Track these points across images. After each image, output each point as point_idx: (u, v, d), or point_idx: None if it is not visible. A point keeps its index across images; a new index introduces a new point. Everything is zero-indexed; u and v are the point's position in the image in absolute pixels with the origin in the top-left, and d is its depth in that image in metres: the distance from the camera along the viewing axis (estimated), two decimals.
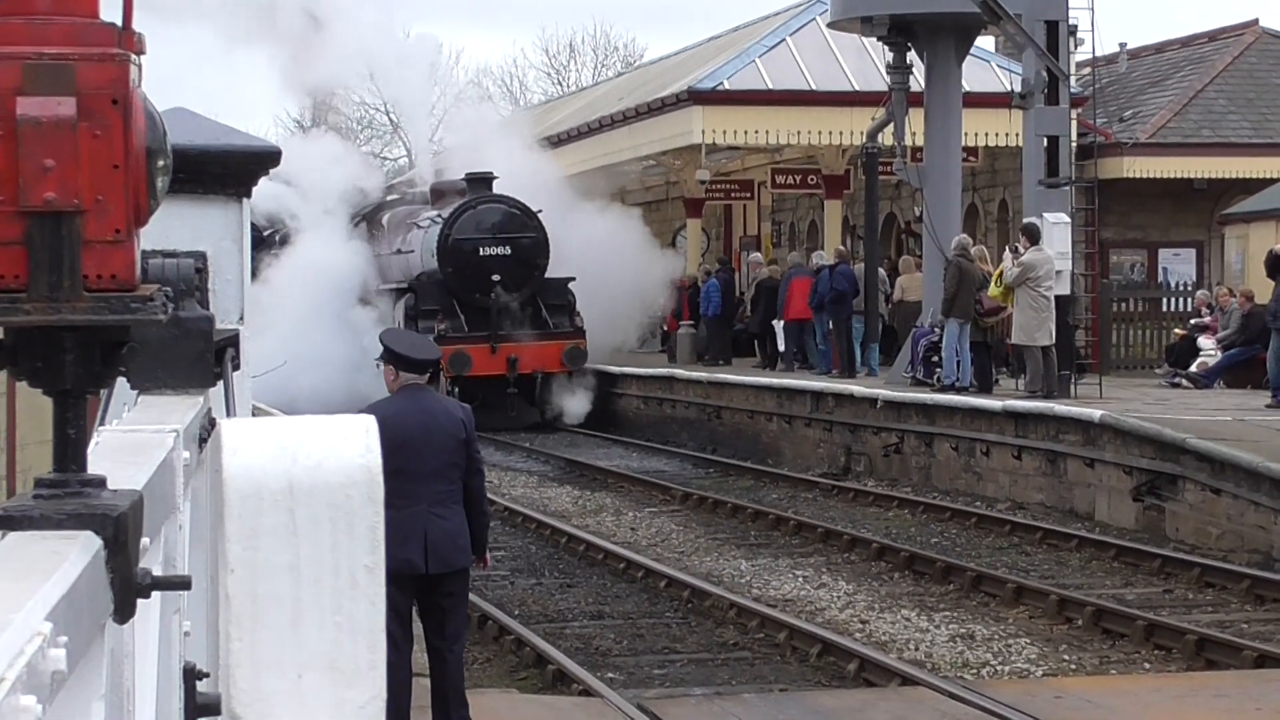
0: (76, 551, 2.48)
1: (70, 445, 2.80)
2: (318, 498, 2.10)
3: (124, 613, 2.75)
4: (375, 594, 2.17)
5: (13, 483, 9.51)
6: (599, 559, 20.71)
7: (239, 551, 2.07)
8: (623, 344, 42.06)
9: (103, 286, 2.73)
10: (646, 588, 18.87)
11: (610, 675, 14.72)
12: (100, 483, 2.81)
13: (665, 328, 43.06)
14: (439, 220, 39.64)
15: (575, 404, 38.17)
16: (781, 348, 36.58)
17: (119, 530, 2.69)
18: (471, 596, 17.13)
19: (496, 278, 38.41)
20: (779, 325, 36.30)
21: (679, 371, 37.28)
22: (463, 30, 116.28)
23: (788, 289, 35.80)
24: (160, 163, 2.81)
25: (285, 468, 2.09)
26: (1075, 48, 32.06)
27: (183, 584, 3.16)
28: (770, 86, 38.92)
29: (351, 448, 2.14)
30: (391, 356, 10.85)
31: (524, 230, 38.83)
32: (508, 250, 38.72)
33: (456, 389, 37.85)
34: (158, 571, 4.02)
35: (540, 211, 38.97)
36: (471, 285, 38.45)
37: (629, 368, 39.25)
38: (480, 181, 39.73)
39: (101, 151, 2.70)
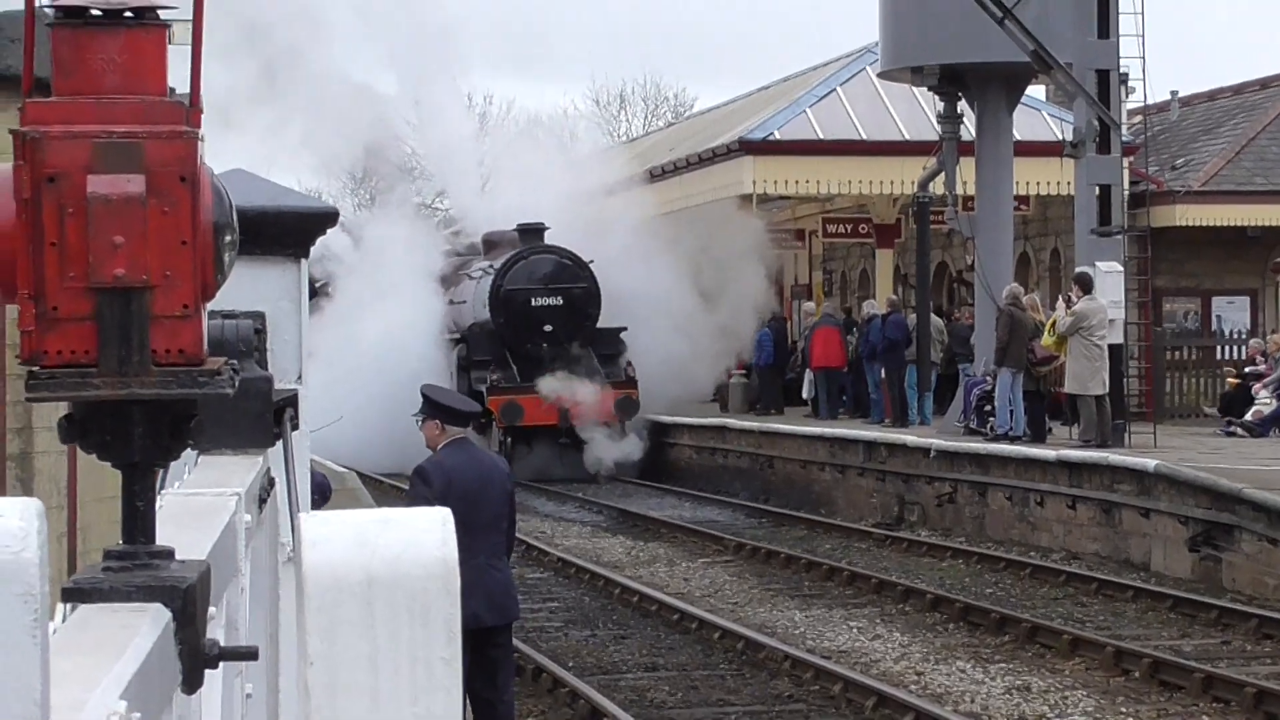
0: (147, 625, 2.51)
1: (139, 517, 2.83)
2: (396, 590, 2.13)
3: (192, 684, 2.78)
4: (452, 685, 2.19)
5: (73, 541, 9.58)
6: (653, 610, 20.69)
7: (318, 644, 2.10)
8: (689, 394, 41.55)
9: (171, 361, 2.76)
10: (700, 639, 18.84)
11: None
12: (168, 554, 2.84)
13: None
14: (491, 270, 39.76)
15: (625, 455, 38.06)
16: (806, 395, 37.17)
17: (188, 602, 2.71)
18: (525, 648, 17.20)
19: (549, 328, 38.51)
20: (808, 374, 36.90)
21: (731, 421, 37.26)
22: (513, 81, 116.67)
23: (811, 338, 36.33)
24: (227, 238, 2.85)
25: (364, 561, 2.12)
26: (1126, 96, 32.01)
27: (249, 655, 3.19)
28: (821, 136, 38.95)
29: (429, 540, 2.17)
30: (438, 410, 10.93)
31: (576, 280, 38.92)
32: (560, 300, 38.81)
33: (509, 439, 37.93)
34: (221, 634, 4.05)
35: (592, 262, 39.06)
36: (524, 335, 38.56)
37: (681, 417, 39.19)
38: (532, 232, 39.83)
39: (170, 228, 2.73)
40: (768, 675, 16.84)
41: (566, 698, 15.76)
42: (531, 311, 38.66)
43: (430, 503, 10.70)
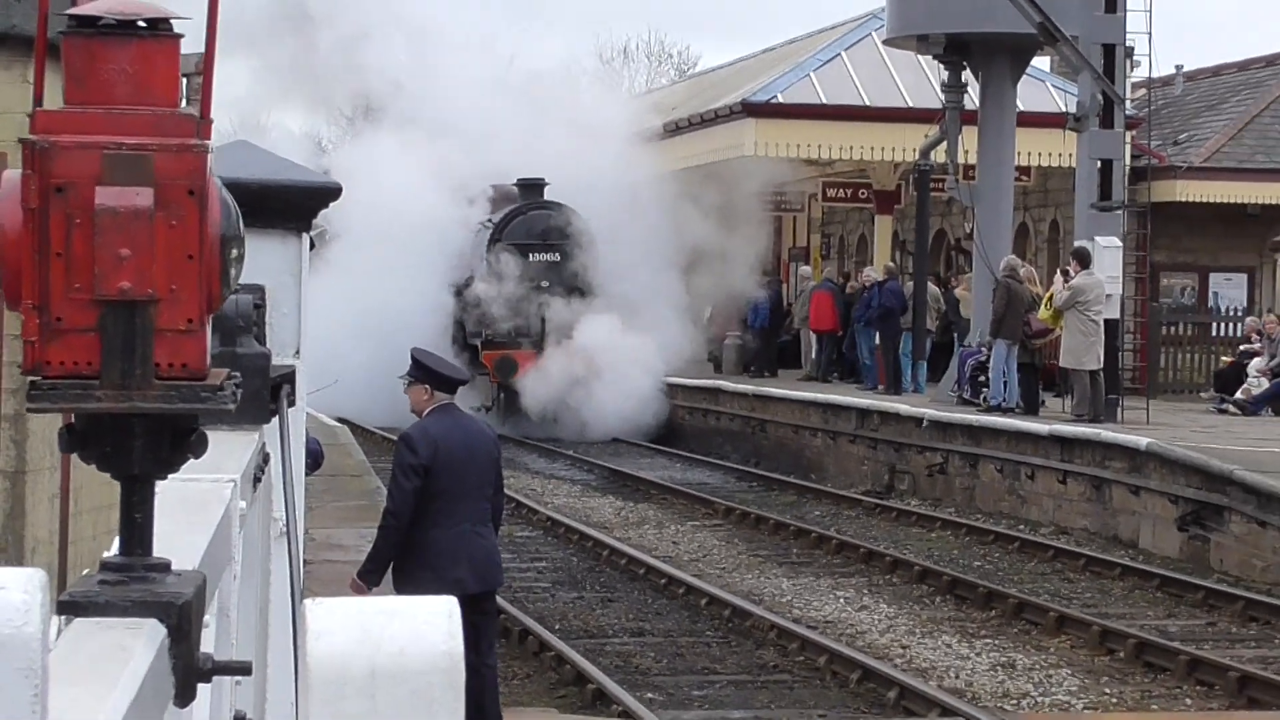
0: (142, 645, 2.50)
1: (136, 529, 2.82)
2: (400, 685, 2.12)
3: (185, 698, 2.77)
4: None
5: (65, 505, 9.59)
6: (640, 573, 20.71)
7: None
8: (684, 353, 40.88)
9: (173, 375, 2.75)
10: (688, 605, 18.87)
11: (650, 695, 14.74)
12: (165, 567, 2.83)
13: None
14: (489, 225, 39.68)
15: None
16: (813, 356, 37.62)
17: (183, 619, 2.71)
18: (513, 609, 17.24)
19: (545, 284, 38.46)
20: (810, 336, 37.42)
21: (725, 383, 37.25)
22: (515, 33, 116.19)
23: (809, 302, 37.09)
24: (234, 252, 2.83)
25: (369, 654, 2.11)
26: (1131, 69, 31.92)
27: (243, 670, 3.18)
28: (824, 101, 38.88)
29: (434, 634, 2.16)
30: (428, 375, 10.92)
31: (573, 237, 38.85)
32: (557, 256, 38.75)
33: (503, 394, 37.92)
34: (213, 619, 4.05)
35: (590, 220, 38.97)
36: (520, 291, 38.51)
37: (675, 378, 39.07)
38: (531, 187, 39.75)
39: (177, 241, 2.72)
40: (754, 644, 16.87)
41: (552, 661, 15.79)
42: (529, 266, 38.60)
43: (416, 471, 10.71)
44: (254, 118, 41.52)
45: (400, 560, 10.92)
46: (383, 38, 41.74)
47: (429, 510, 10.86)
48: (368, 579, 11.00)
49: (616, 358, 36.98)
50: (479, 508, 11.06)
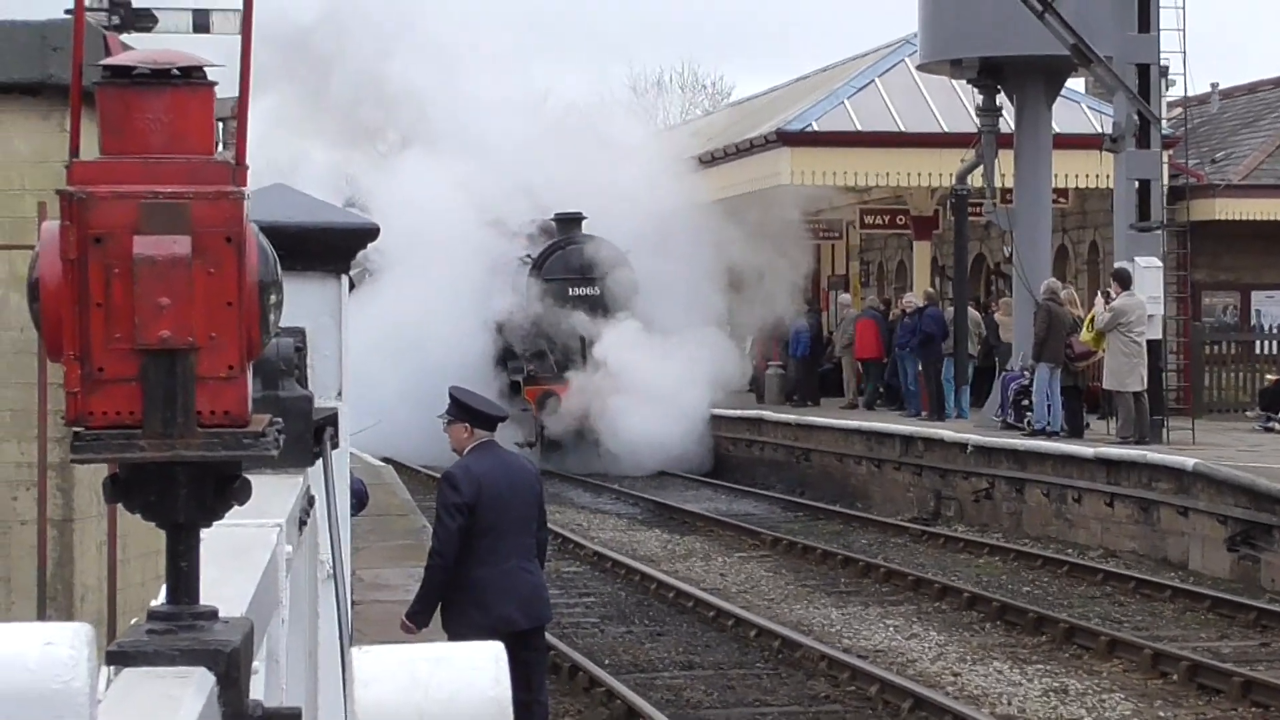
0: (191, 694, 2.49)
1: (182, 577, 2.82)
2: None
3: None
4: None
5: (113, 551, 9.61)
6: (689, 606, 20.67)
7: None
8: (724, 383, 40.51)
9: (215, 422, 2.74)
10: (737, 637, 18.82)
11: None
12: (212, 614, 2.82)
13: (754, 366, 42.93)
14: (528, 260, 39.71)
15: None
16: (862, 385, 37.60)
17: (231, 666, 2.70)
18: (562, 645, 17.20)
19: (585, 318, 38.47)
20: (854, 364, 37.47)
21: (767, 413, 37.18)
22: (549, 67, 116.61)
23: (853, 330, 37.08)
24: (272, 298, 2.83)
25: (417, 701, 2.10)
26: (1167, 88, 31.83)
27: (292, 716, 3.17)
28: (859, 128, 38.85)
29: (482, 680, 2.15)
30: (468, 413, 10.94)
31: (613, 270, 38.85)
32: (597, 291, 38.75)
33: (545, 429, 37.89)
34: (261, 665, 4.04)
35: (629, 251, 38.98)
36: (560, 325, 38.52)
37: (717, 409, 38.97)
38: (569, 221, 39.76)
39: (215, 289, 2.72)
40: (804, 675, 16.81)
41: (603, 697, 15.75)
42: (568, 301, 38.63)
43: (460, 510, 10.72)
44: (280, 156, 41.54)
45: (448, 599, 10.92)
46: (404, 65, 41.80)
47: (475, 548, 10.87)
48: (417, 619, 11.00)
49: (659, 390, 36.87)
50: (524, 543, 11.08)
